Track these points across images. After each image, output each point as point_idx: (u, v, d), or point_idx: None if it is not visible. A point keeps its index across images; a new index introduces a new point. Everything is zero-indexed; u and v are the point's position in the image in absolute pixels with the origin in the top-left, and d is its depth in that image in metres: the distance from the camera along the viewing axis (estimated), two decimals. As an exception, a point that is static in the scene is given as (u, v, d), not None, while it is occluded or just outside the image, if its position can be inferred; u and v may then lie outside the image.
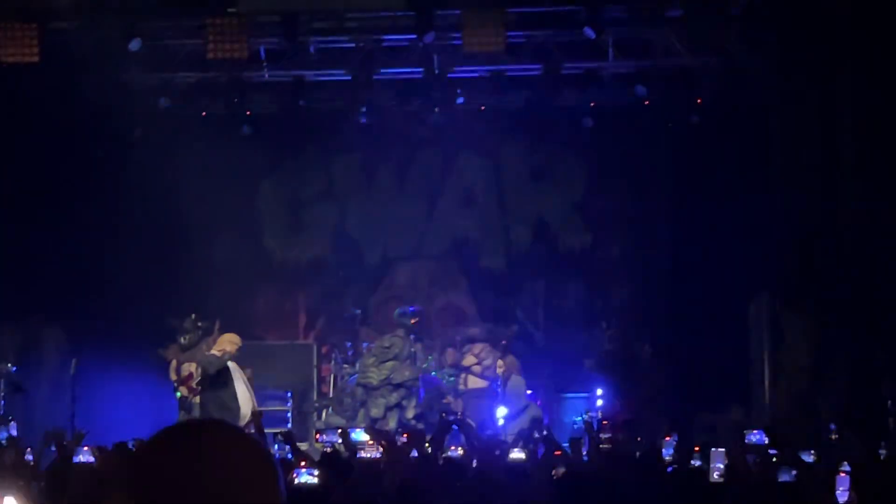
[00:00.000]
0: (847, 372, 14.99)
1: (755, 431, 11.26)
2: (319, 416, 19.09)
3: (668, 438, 10.91)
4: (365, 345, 19.14)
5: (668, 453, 10.82)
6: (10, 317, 17.65)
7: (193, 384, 17.65)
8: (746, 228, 17.27)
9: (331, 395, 19.31)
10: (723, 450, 8.85)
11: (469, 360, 18.89)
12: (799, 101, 16.13)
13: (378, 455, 8.68)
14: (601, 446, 10.40)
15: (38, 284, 17.64)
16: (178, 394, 18.52)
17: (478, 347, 18.96)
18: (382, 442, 9.03)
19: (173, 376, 18.72)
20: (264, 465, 2.26)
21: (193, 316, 18.95)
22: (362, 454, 8.79)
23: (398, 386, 18.34)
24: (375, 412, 18.15)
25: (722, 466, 8.57)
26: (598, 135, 19.11)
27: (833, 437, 12.96)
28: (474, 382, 18.78)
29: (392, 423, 17.83)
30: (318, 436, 11.36)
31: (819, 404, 14.80)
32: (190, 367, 18.41)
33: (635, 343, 18.02)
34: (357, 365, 18.89)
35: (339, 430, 10.53)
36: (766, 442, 10.81)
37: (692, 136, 18.49)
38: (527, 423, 17.71)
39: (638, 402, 17.38)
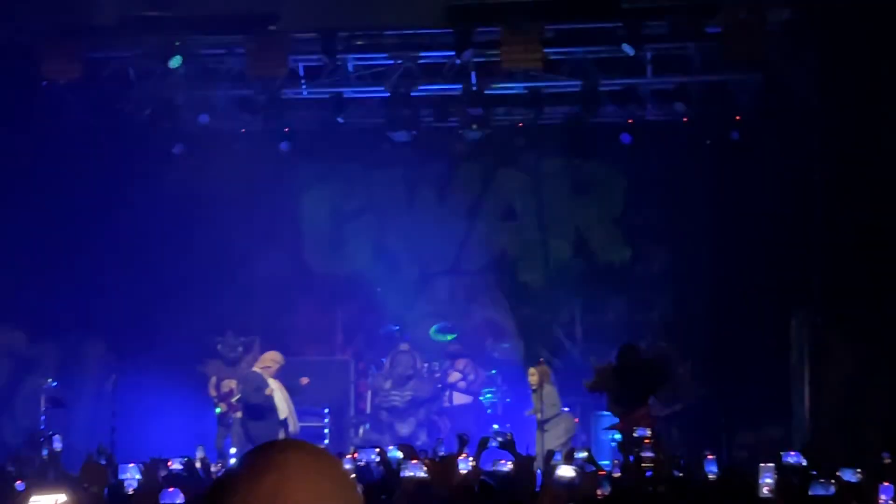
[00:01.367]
0: (891, 389, 14.87)
1: (792, 452, 11.20)
2: (356, 433, 19.12)
3: (710, 457, 10.83)
4: (383, 360, 19.18)
5: (710, 471, 10.76)
6: (50, 332, 17.77)
7: (233, 401, 17.71)
8: (787, 243, 17.17)
9: (368, 411, 19.33)
10: (772, 465, 8.80)
11: (454, 376, 18.83)
12: (839, 116, 16.04)
13: (423, 474, 8.65)
14: (643, 465, 10.35)
15: (78, 300, 17.74)
16: (218, 410, 18.58)
17: (461, 363, 18.92)
18: (426, 460, 9.01)
19: (213, 392, 18.78)
20: (349, 487, 2.31)
21: (230, 333, 19.05)
22: (406, 473, 8.75)
23: (423, 402, 18.37)
24: (406, 431, 18.16)
25: (771, 481, 8.51)
26: (637, 151, 19.06)
27: (886, 462, 12.77)
28: (459, 399, 18.73)
29: (424, 439, 17.86)
30: (355, 454, 11.35)
31: (862, 422, 14.67)
32: (230, 384, 18.47)
33: (675, 359, 17.92)
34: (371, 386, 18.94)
35: (378, 449, 10.54)
36: (805, 463, 10.75)
37: (731, 151, 18.41)
38: (562, 432, 17.72)
39: (678, 420, 17.28)
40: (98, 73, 17.53)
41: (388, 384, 18.59)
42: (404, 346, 19.06)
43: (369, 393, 19.57)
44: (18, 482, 9.16)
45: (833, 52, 15.98)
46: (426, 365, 19.07)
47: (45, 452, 12.56)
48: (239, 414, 17.10)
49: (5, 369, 17.52)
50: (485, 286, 20.57)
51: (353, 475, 9.80)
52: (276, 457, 2.30)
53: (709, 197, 19.23)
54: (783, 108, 17.64)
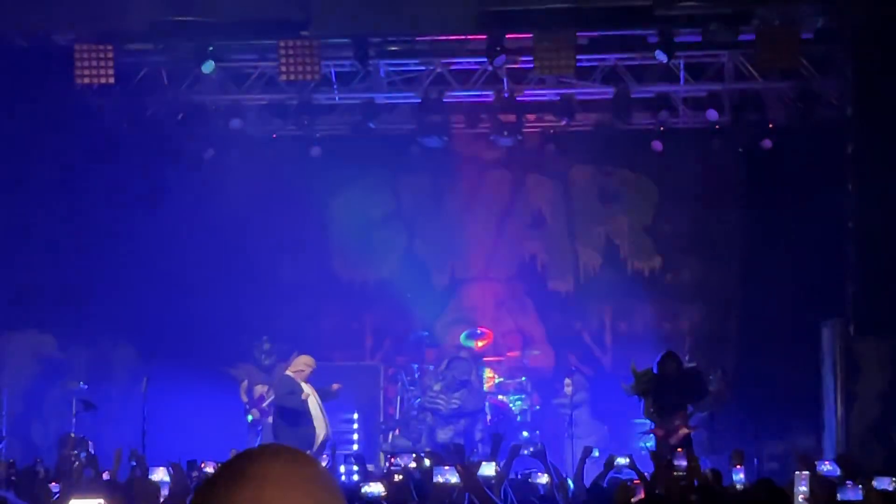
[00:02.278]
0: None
1: (826, 462, 11.13)
2: (385, 438, 19.10)
3: (738, 466, 10.79)
4: (431, 367, 19.13)
5: (739, 481, 10.71)
6: (81, 335, 17.83)
7: (265, 406, 17.71)
8: (819, 252, 17.09)
9: (397, 416, 19.32)
10: (807, 473, 8.75)
11: (437, 385, 18.72)
12: (872, 124, 15.97)
13: (455, 479, 8.63)
14: (675, 473, 10.29)
15: (109, 303, 17.79)
16: (250, 417, 18.58)
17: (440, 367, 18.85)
18: (458, 466, 8.99)
19: (244, 398, 18.78)
20: (331, 493, 2.25)
21: (265, 338, 19.08)
22: (438, 479, 8.74)
23: (467, 413, 18.32)
24: (443, 437, 18.12)
25: (806, 489, 8.46)
26: (668, 158, 19.00)
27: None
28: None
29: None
30: (392, 459, 11.35)
31: (894, 431, 14.58)
32: (261, 390, 18.49)
33: (705, 368, 17.83)
34: (417, 387, 18.87)
35: (414, 455, 10.54)
36: (839, 473, 10.68)
37: (764, 160, 18.34)
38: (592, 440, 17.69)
39: (707, 428, 17.20)
40: (131, 78, 17.61)
41: (437, 386, 18.53)
42: (464, 353, 19.02)
43: (398, 398, 19.52)
44: (53, 484, 9.19)
45: (866, 61, 15.92)
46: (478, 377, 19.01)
47: (83, 455, 12.59)
48: (270, 418, 17.12)
49: (36, 373, 17.57)
50: (514, 293, 20.54)
51: (385, 479, 9.80)
52: (254, 464, 2.24)
53: (740, 205, 19.17)
54: (816, 116, 17.59)
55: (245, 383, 18.68)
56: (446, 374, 18.63)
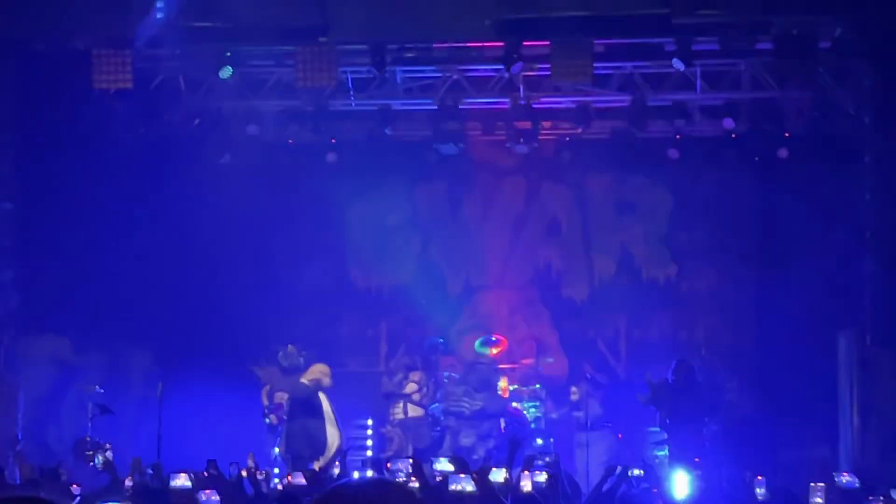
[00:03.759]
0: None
1: (846, 474, 11.10)
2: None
3: (760, 478, 10.78)
4: (446, 374, 19.12)
5: (759, 492, 10.71)
6: (97, 339, 17.86)
7: (284, 414, 17.73)
8: (835, 262, 17.06)
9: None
10: (822, 484, 8.75)
11: (411, 387, 18.68)
12: (889, 134, 15.94)
13: (472, 487, 8.64)
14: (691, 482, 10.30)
15: (125, 308, 17.82)
16: (267, 421, 18.59)
17: (417, 375, 18.82)
18: (474, 474, 9.00)
19: (265, 401, 18.77)
20: None
21: (295, 345, 19.08)
22: (454, 487, 8.75)
23: (489, 416, 18.34)
24: (466, 442, 18.12)
25: (822, 501, 8.46)
26: (684, 167, 18.98)
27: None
28: (414, 411, 18.60)
29: (481, 453, 17.82)
30: (388, 465, 11.38)
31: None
32: (282, 396, 18.48)
33: (722, 378, 17.82)
34: (439, 393, 18.85)
35: (411, 460, 10.53)
36: (858, 485, 10.66)
37: (780, 169, 18.31)
38: (604, 448, 17.70)
39: (723, 438, 17.16)
40: (148, 83, 17.65)
41: (461, 390, 18.54)
42: (484, 360, 19.04)
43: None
44: (74, 486, 9.22)
45: (884, 70, 15.90)
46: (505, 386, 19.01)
47: (98, 460, 12.63)
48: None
49: (52, 377, 17.61)
50: (528, 301, 20.54)
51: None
52: (364, 495, 2.26)
53: (756, 214, 19.15)
54: (832, 125, 17.57)
55: (268, 387, 18.68)
56: (468, 379, 18.66)
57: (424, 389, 18.35)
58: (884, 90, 15.92)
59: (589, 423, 18.05)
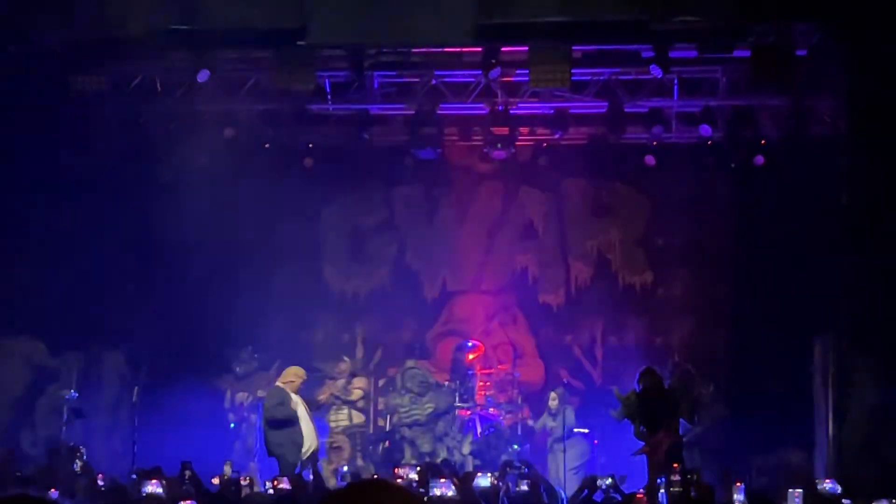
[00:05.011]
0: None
1: (827, 480, 11.13)
2: (376, 449, 19.05)
3: (739, 484, 10.79)
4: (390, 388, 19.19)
5: (738, 499, 10.71)
6: (71, 343, 17.77)
7: (244, 410, 17.73)
8: (811, 268, 17.11)
9: (387, 428, 19.26)
10: (800, 490, 8.77)
11: (356, 393, 18.64)
12: (865, 141, 16.00)
13: (452, 492, 8.63)
14: (672, 489, 10.31)
15: (100, 309, 17.73)
16: (232, 425, 18.64)
17: (362, 381, 18.81)
18: (454, 479, 8.99)
19: (226, 404, 18.85)
20: None
21: (251, 348, 19.08)
22: (435, 491, 8.74)
23: (440, 415, 18.37)
24: (426, 447, 18.12)
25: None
26: (661, 173, 19.03)
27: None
28: (358, 417, 18.57)
29: (443, 455, 17.83)
30: (396, 470, 11.36)
31: (887, 447, 14.59)
32: (241, 396, 18.54)
33: (697, 382, 17.85)
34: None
35: (418, 468, 10.54)
36: (839, 491, 10.69)
37: (756, 176, 18.38)
38: (578, 455, 17.72)
39: (698, 443, 17.20)
40: (125, 85, 17.57)
41: (405, 400, 18.56)
42: (410, 363, 19.01)
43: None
44: (53, 490, 9.15)
45: (860, 77, 15.95)
46: (447, 382, 19.04)
47: (75, 465, 12.56)
48: (253, 418, 17.13)
49: (26, 380, 17.51)
50: (505, 305, 20.53)
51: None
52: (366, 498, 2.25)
53: (732, 221, 19.20)
54: (809, 132, 17.64)
55: (228, 393, 18.76)
56: (407, 388, 18.66)
57: (370, 396, 18.23)
58: (860, 98, 15.98)
59: (564, 430, 18.05)
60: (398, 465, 14.60)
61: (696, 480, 10.43)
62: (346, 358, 18.91)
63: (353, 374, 18.53)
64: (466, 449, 18.51)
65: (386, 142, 19.18)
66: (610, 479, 11.89)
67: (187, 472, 11.04)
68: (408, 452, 18.33)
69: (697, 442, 17.22)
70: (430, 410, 18.42)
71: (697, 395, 16.82)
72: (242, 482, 12.00)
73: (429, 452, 18.15)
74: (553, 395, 18.66)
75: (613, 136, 18.47)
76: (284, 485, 11.52)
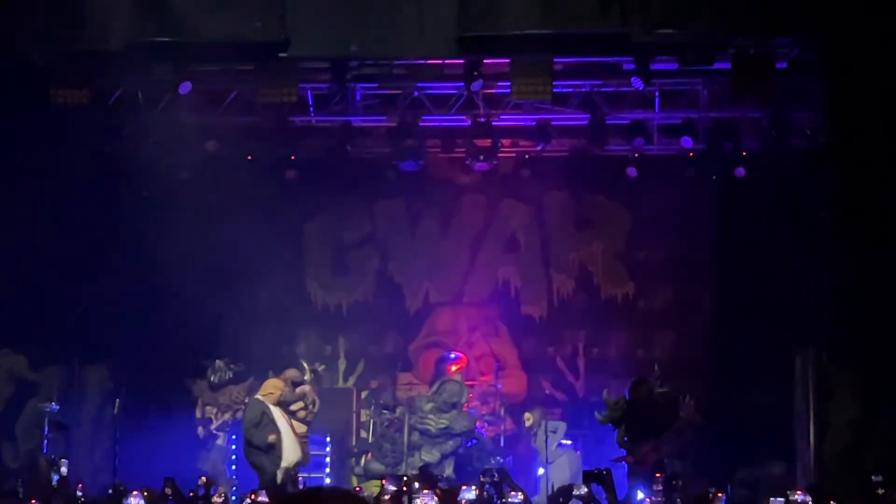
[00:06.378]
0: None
1: (798, 493, 11.18)
2: (358, 462, 19.04)
3: (720, 495, 10.83)
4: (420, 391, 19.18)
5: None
6: (53, 356, 17.73)
7: (213, 428, 17.72)
8: (792, 281, 17.18)
9: (370, 440, 19.25)
10: (781, 500, 8.82)
11: (297, 405, 18.45)
12: (846, 154, 16.08)
13: (433, 502, 8.64)
14: (653, 499, 10.34)
15: (82, 323, 17.70)
16: (200, 432, 18.67)
17: (305, 388, 18.72)
18: (438, 490, 9.00)
19: (198, 415, 18.83)
20: None
21: (227, 359, 19.05)
22: (417, 501, 8.75)
23: (454, 436, 18.32)
24: (430, 458, 18.07)
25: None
26: (643, 185, 19.07)
27: (879, 491, 12.82)
28: (299, 428, 18.50)
29: (449, 471, 17.80)
30: (405, 475, 11.37)
31: (867, 461, 14.64)
32: (212, 411, 18.53)
33: (677, 394, 17.89)
34: (397, 410, 18.82)
35: (404, 478, 10.55)
36: (811, 502, 10.74)
37: (737, 188, 18.44)
38: (566, 467, 17.73)
39: (679, 454, 17.23)
40: (107, 98, 17.56)
41: (428, 406, 18.51)
42: (457, 377, 18.99)
43: (371, 422, 19.45)
44: (33, 502, 9.13)
45: (840, 90, 16.03)
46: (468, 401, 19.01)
47: (55, 478, 12.52)
48: (221, 438, 17.08)
49: (7, 394, 17.47)
50: (487, 317, 20.56)
51: None
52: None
53: (713, 233, 19.26)
54: (789, 145, 17.70)
55: (199, 401, 18.78)
56: (437, 397, 18.65)
57: (311, 406, 17.99)
58: (840, 110, 16.06)
59: (547, 442, 18.07)
60: (384, 477, 14.54)
61: (682, 487, 10.45)
62: (301, 366, 18.59)
63: (295, 383, 18.21)
64: (451, 462, 18.49)
65: (368, 154, 19.19)
66: (585, 490, 11.88)
67: (168, 490, 11.02)
68: (411, 460, 18.30)
69: (679, 454, 17.25)
70: (443, 426, 18.39)
71: (685, 421, 16.86)
72: (217, 499, 11.96)
73: (433, 463, 18.03)
74: (528, 415, 18.69)
75: (595, 147, 18.53)
76: (263, 498, 11.48)
